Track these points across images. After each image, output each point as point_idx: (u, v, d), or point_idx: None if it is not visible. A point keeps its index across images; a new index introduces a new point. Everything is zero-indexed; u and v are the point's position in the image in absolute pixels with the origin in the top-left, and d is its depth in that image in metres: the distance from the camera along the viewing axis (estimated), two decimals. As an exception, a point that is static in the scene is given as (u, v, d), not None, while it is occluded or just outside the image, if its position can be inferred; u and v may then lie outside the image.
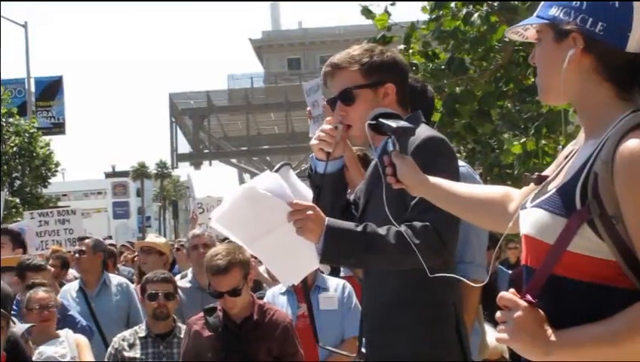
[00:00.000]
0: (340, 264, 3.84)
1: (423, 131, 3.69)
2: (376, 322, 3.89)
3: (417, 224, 3.48)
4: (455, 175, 3.52)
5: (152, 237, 10.41)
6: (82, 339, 6.49)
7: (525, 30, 2.69)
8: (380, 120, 3.38)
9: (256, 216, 3.44)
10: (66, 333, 6.42)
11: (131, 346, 6.32)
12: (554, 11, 2.53)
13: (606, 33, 2.43)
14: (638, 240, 2.26)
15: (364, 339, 4.03)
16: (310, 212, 3.45)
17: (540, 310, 2.36)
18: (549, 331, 2.33)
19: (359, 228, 3.50)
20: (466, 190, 3.10)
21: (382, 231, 3.50)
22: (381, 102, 3.83)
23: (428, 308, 3.72)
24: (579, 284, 2.36)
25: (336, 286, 6.60)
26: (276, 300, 6.69)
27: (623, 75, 2.45)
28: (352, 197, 4.17)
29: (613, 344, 2.26)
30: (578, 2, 2.48)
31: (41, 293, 6.44)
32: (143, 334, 6.38)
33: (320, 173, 3.94)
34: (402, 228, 3.47)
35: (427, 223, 3.46)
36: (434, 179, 3.13)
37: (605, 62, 2.46)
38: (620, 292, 2.31)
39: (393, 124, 3.29)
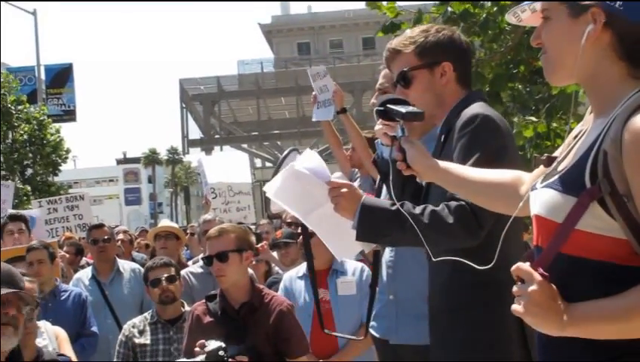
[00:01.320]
0: (375, 242, 3.84)
1: (471, 109, 3.73)
2: (436, 305, 3.89)
3: (453, 203, 3.47)
4: (501, 151, 3.53)
5: (167, 222, 10.43)
6: (61, 332, 6.46)
7: (522, 12, 2.69)
8: (389, 105, 3.38)
9: (304, 191, 3.58)
10: (44, 325, 6.40)
11: (141, 332, 6.38)
12: None
13: (625, 8, 2.41)
14: None
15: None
16: (345, 190, 3.52)
17: (552, 285, 2.36)
18: (563, 306, 2.34)
19: (394, 207, 3.50)
20: (478, 174, 3.10)
21: (417, 210, 3.50)
22: (438, 81, 3.91)
23: (486, 290, 3.65)
24: (590, 263, 2.36)
25: (354, 269, 6.54)
26: (294, 284, 6.68)
27: (639, 52, 2.44)
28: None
29: (626, 319, 2.26)
30: None
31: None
32: (152, 320, 6.43)
33: (386, 158, 3.93)
34: (439, 207, 3.48)
35: (463, 202, 3.43)
36: (444, 164, 3.13)
37: (623, 39, 2.44)
38: (631, 270, 2.31)
39: (402, 109, 3.29)
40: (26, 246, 8.05)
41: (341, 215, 3.53)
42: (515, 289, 2.40)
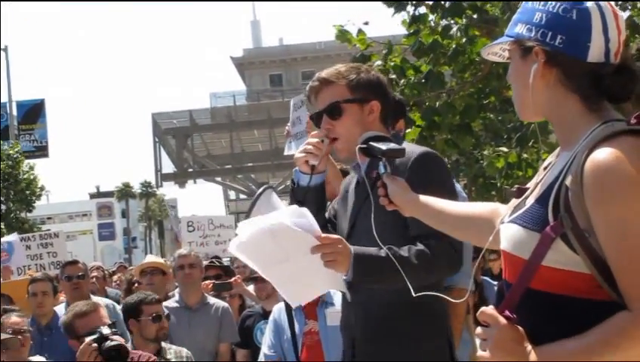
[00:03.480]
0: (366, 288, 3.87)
1: (414, 147, 3.80)
2: (365, 336, 3.91)
3: (433, 242, 3.54)
4: (453, 188, 3.66)
5: (153, 257, 10.34)
6: None
7: (503, 51, 2.76)
8: (371, 143, 3.42)
9: (276, 247, 3.44)
10: (38, 360, 6.35)
11: None
12: (518, 29, 2.61)
13: (566, 45, 2.49)
14: (610, 253, 2.29)
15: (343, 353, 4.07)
16: (340, 246, 3.44)
17: (518, 327, 2.39)
18: (528, 348, 2.36)
19: (383, 254, 3.52)
20: (456, 208, 3.13)
21: (404, 252, 3.55)
22: (366, 118, 3.93)
23: (419, 320, 3.75)
24: (556, 298, 2.38)
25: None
26: (283, 316, 6.68)
27: (587, 86, 2.50)
28: (327, 215, 4.21)
29: (590, 359, 2.27)
30: (538, 18, 2.55)
31: (14, 318, 6.35)
32: None
33: (304, 187, 3.98)
34: (420, 246, 3.54)
35: (441, 238, 3.45)
36: (424, 198, 3.16)
37: (569, 74, 2.51)
38: (596, 304, 2.33)
39: (383, 146, 3.33)
40: (29, 278, 8.07)
41: (335, 270, 3.46)
42: (478, 330, 2.43)
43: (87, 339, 5.19)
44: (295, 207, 3.48)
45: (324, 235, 3.42)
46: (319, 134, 3.95)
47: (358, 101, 3.93)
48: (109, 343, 5.18)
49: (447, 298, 3.10)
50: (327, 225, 4.15)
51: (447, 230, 3.18)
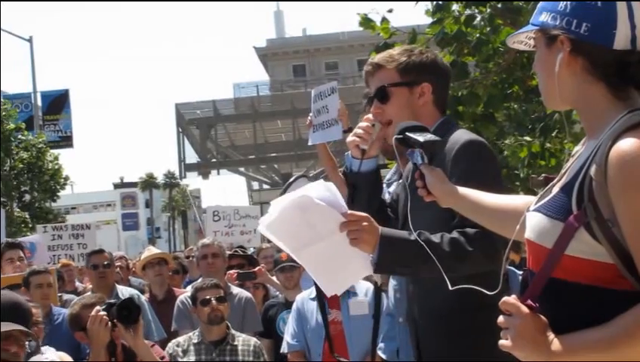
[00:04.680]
0: (394, 273, 3.80)
1: (461, 135, 3.76)
2: (427, 329, 3.87)
3: (470, 230, 3.47)
4: (496, 178, 3.61)
5: (154, 249, 10.42)
6: (65, 357, 6.44)
7: (529, 39, 2.74)
8: (407, 133, 3.37)
9: (306, 224, 3.35)
10: (47, 350, 6.37)
11: (185, 352, 6.51)
12: (543, 17, 2.59)
13: (591, 33, 2.46)
14: (633, 244, 2.28)
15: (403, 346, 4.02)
16: (365, 223, 3.37)
17: (541, 316, 2.39)
18: (550, 337, 2.36)
19: (413, 237, 3.44)
20: (492, 200, 3.11)
21: (436, 238, 3.47)
22: (416, 101, 3.93)
23: (482, 313, 3.68)
24: (579, 287, 2.37)
25: (366, 290, 6.50)
26: (306, 306, 6.69)
27: (613, 74, 2.47)
28: (388, 200, 4.19)
29: (611, 349, 2.27)
30: (563, 6, 2.52)
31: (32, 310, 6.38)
32: (197, 340, 6.55)
33: (354, 172, 3.97)
34: (454, 234, 3.48)
35: (479, 229, 3.39)
36: (462, 190, 3.14)
37: (595, 62, 2.48)
38: (619, 294, 2.32)
39: (420, 137, 3.30)
40: (27, 272, 8.08)
41: (360, 248, 3.37)
42: (500, 319, 2.43)
43: (96, 308, 5.27)
44: (322, 181, 3.41)
45: (349, 212, 3.35)
46: (370, 119, 3.95)
47: (406, 84, 3.94)
48: (117, 305, 5.26)
49: (483, 290, 3.03)
50: (387, 208, 4.13)
51: (483, 222, 3.16)
